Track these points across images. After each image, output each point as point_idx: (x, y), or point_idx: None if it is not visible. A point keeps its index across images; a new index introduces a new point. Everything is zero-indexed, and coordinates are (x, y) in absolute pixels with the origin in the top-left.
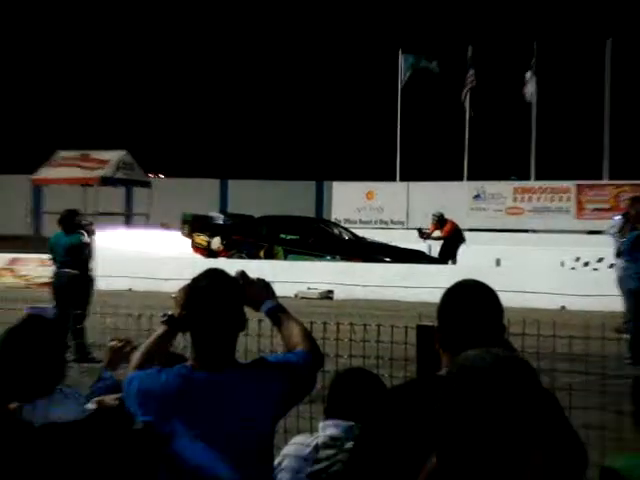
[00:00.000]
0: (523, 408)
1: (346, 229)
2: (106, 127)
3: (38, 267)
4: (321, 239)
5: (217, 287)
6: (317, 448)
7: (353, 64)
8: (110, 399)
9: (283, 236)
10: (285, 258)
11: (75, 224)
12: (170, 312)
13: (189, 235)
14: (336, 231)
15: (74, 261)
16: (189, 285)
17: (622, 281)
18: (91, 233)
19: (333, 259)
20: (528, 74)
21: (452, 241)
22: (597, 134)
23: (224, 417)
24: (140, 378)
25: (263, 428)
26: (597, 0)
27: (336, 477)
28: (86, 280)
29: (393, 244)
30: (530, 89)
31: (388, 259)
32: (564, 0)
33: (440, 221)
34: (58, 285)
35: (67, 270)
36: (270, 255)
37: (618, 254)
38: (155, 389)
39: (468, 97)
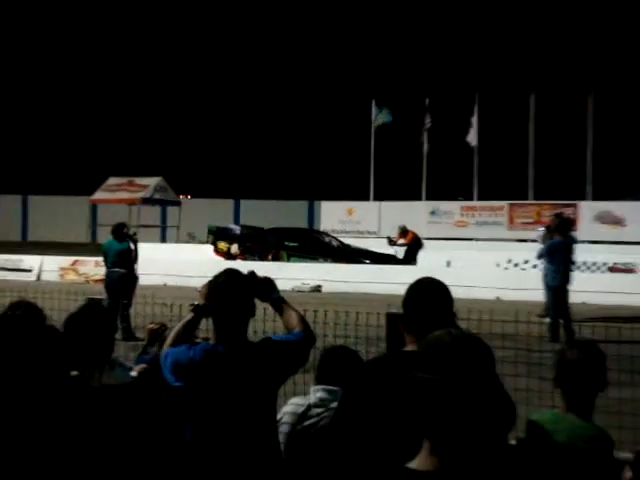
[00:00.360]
0: (479, 372)
1: (335, 238)
2: (146, 157)
3: (94, 267)
4: (316, 245)
5: (233, 282)
6: (309, 407)
7: (341, 110)
8: (140, 368)
9: (287, 243)
10: (288, 260)
11: (123, 234)
12: (196, 302)
13: (213, 242)
14: (327, 239)
15: (122, 262)
16: (211, 281)
17: (544, 278)
18: (135, 241)
19: (325, 261)
20: (473, 119)
21: (413, 247)
22: (523, 165)
23: (239, 383)
24: (174, 353)
25: (269, 391)
26: (524, 58)
27: (324, 429)
28: (131, 277)
29: (371, 249)
30: (472, 132)
31: (367, 261)
32: (500, 56)
33: (403, 232)
34: (109, 281)
35: (116, 269)
36: (276, 258)
37: (539, 257)
38: (185, 361)
39: (426, 136)
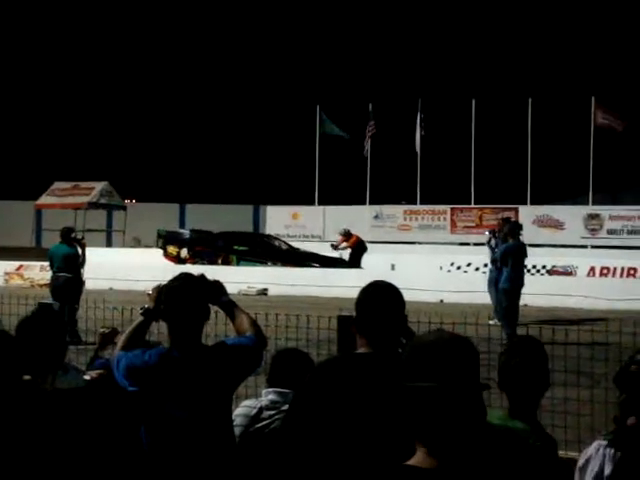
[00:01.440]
0: (472, 375)
1: (284, 242)
2: (91, 161)
3: (40, 272)
4: (265, 249)
5: (188, 287)
6: (261, 409)
7: (286, 115)
8: (94, 373)
9: (236, 247)
10: (237, 264)
11: (71, 238)
12: (146, 305)
13: (162, 246)
14: (276, 243)
15: (68, 267)
16: (165, 285)
17: (492, 282)
18: (83, 245)
19: (274, 265)
20: (417, 124)
21: (357, 250)
22: (466, 169)
23: (194, 386)
24: (127, 357)
25: (224, 394)
26: (465, 64)
27: (275, 431)
28: (78, 281)
29: (320, 253)
30: (417, 138)
31: (316, 265)
32: (442, 62)
33: (347, 235)
34: (56, 286)
35: (63, 274)
36: (226, 262)
37: (493, 261)
38: (140, 365)
39: (369, 142)
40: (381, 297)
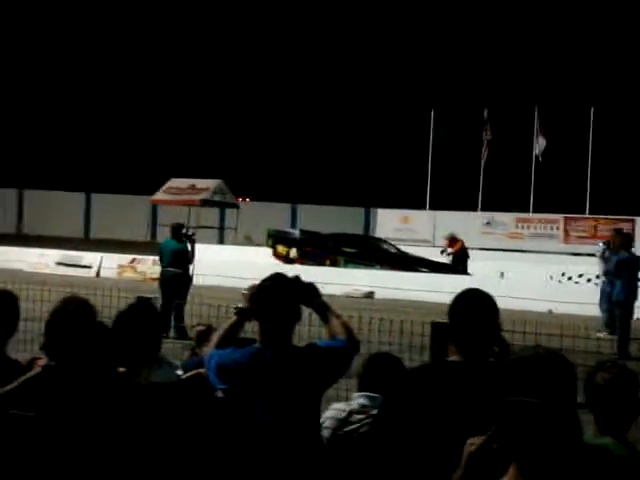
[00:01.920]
0: (570, 393)
1: (393, 245)
2: (208, 159)
3: (152, 266)
4: (373, 252)
5: (280, 286)
6: (351, 413)
7: (400, 118)
8: (194, 372)
9: (344, 249)
10: (345, 266)
11: (181, 234)
12: (240, 305)
13: (272, 246)
14: (385, 246)
15: (178, 262)
16: (258, 285)
17: (605, 294)
18: (192, 241)
19: (381, 268)
20: (536, 130)
21: (462, 256)
22: (581, 178)
23: (284, 387)
24: (219, 355)
25: (313, 396)
26: (584, 71)
27: (364, 435)
28: (186, 277)
29: (428, 258)
30: (538, 143)
31: (424, 269)
32: (561, 69)
33: (452, 240)
34: (164, 280)
35: (171, 269)
36: (334, 263)
37: (605, 273)
38: (230, 364)
39: (485, 147)
40: (474, 305)
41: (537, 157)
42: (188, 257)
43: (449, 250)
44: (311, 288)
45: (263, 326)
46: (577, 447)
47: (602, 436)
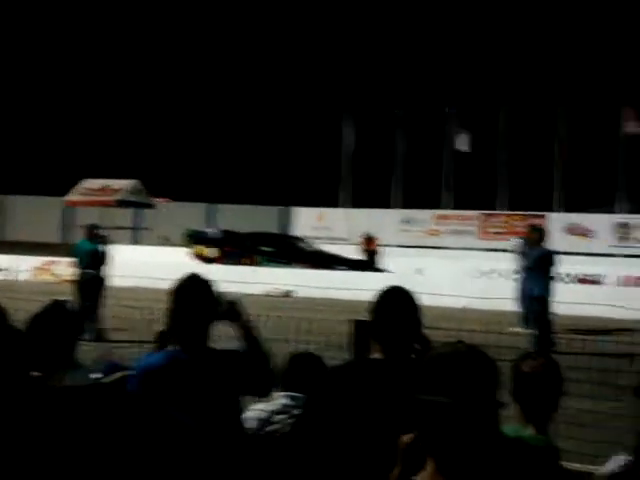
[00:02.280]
0: (488, 391)
1: (310, 243)
2: (121, 159)
3: (68, 268)
4: (291, 251)
5: (194, 287)
6: (272, 413)
7: (313, 115)
8: (117, 375)
9: (263, 248)
10: (264, 265)
11: (95, 235)
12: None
13: (191, 246)
14: (302, 245)
15: (92, 264)
16: (173, 285)
17: (523, 290)
18: (106, 242)
19: (300, 266)
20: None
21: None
22: (495, 175)
23: (200, 389)
24: (141, 360)
25: (231, 398)
26: (497, 71)
27: (287, 435)
28: (100, 279)
29: (346, 256)
30: (462, 140)
31: (342, 267)
32: (472, 71)
33: (368, 239)
34: (81, 282)
35: (87, 270)
36: (252, 262)
37: (526, 268)
38: (147, 367)
39: (400, 144)
40: (396, 303)
41: (464, 150)
42: (102, 258)
43: (371, 248)
44: (237, 306)
45: (178, 327)
46: (492, 443)
47: (526, 425)
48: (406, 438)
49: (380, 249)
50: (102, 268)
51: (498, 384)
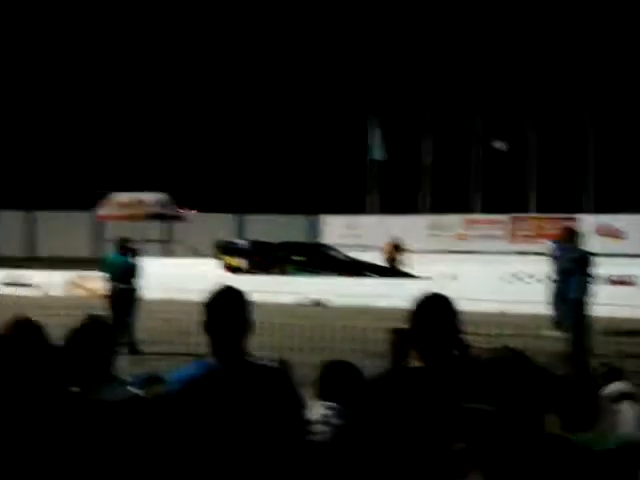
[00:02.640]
0: (534, 400)
1: (341, 252)
2: (148, 172)
3: (100, 282)
4: (322, 260)
5: (229, 298)
6: (312, 423)
7: (339, 124)
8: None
9: (294, 257)
10: (295, 275)
11: (127, 248)
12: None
13: (221, 257)
14: (333, 253)
15: (124, 277)
16: (208, 297)
17: (557, 293)
18: (137, 255)
19: (331, 275)
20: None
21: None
22: (525, 178)
23: (238, 401)
24: (179, 370)
25: (267, 412)
26: (522, 75)
27: (328, 445)
28: (133, 292)
29: (378, 264)
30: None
31: (374, 275)
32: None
33: (396, 246)
34: (112, 296)
35: (119, 284)
36: (284, 272)
37: (560, 272)
38: (185, 378)
39: (429, 151)
40: (435, 309)
41: (504, 149)
42: (133, 271)
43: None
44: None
45: (213, 339)
46: (538, 450)
47: (576, 433)
48: (457, 446)
49: (407, 256)
50: (133, 281)
51: (544, 390)
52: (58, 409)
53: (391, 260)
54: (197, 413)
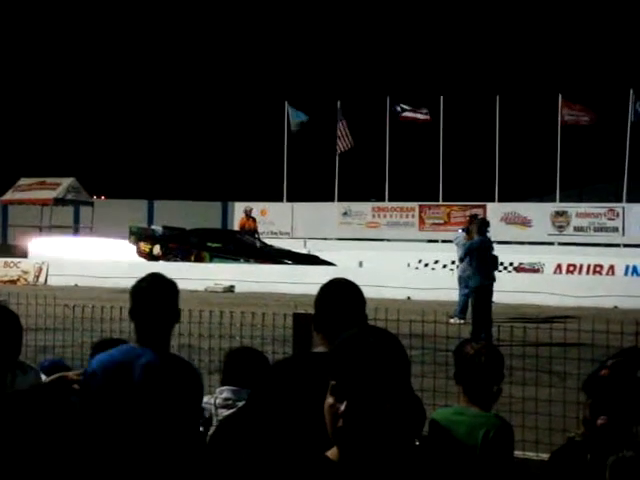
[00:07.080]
0: (391, 366)
1: (257, 238)
2: (59, 158)
3: (4, 268)
4: (238, 246)
5: (156, 287)
6: (217, 407)
7: (255, 111)
8: (72, 374)
9: (209, 244)
10: (210, 261)
11: None
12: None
13: (135, 243)
14: (249, 240)
15: None
16: (134, 285)
17: (462, 279)
18: None
19: (247, 262)
20: (387, 123)
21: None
22: (434, 167)
23: (157, 388)
24: (97, 358)
25: (186, 399)
26: (435, 63)
27: (225, 423)
28: None
29: (294, 250)
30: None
31: (289, 262)
32: (411, 62)
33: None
34: None
35: None
36: (199, 259)
37: (462, 259)
38: (107, 363)
39: (341, 138)
40: (340, 294)
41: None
42: None
43: None
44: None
45: (139, 327)
46: (404, 431)
47: (470, 405)
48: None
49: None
50: None
51: (406, 367)
52: None
53: (244, 229)
54: (110, 395)
